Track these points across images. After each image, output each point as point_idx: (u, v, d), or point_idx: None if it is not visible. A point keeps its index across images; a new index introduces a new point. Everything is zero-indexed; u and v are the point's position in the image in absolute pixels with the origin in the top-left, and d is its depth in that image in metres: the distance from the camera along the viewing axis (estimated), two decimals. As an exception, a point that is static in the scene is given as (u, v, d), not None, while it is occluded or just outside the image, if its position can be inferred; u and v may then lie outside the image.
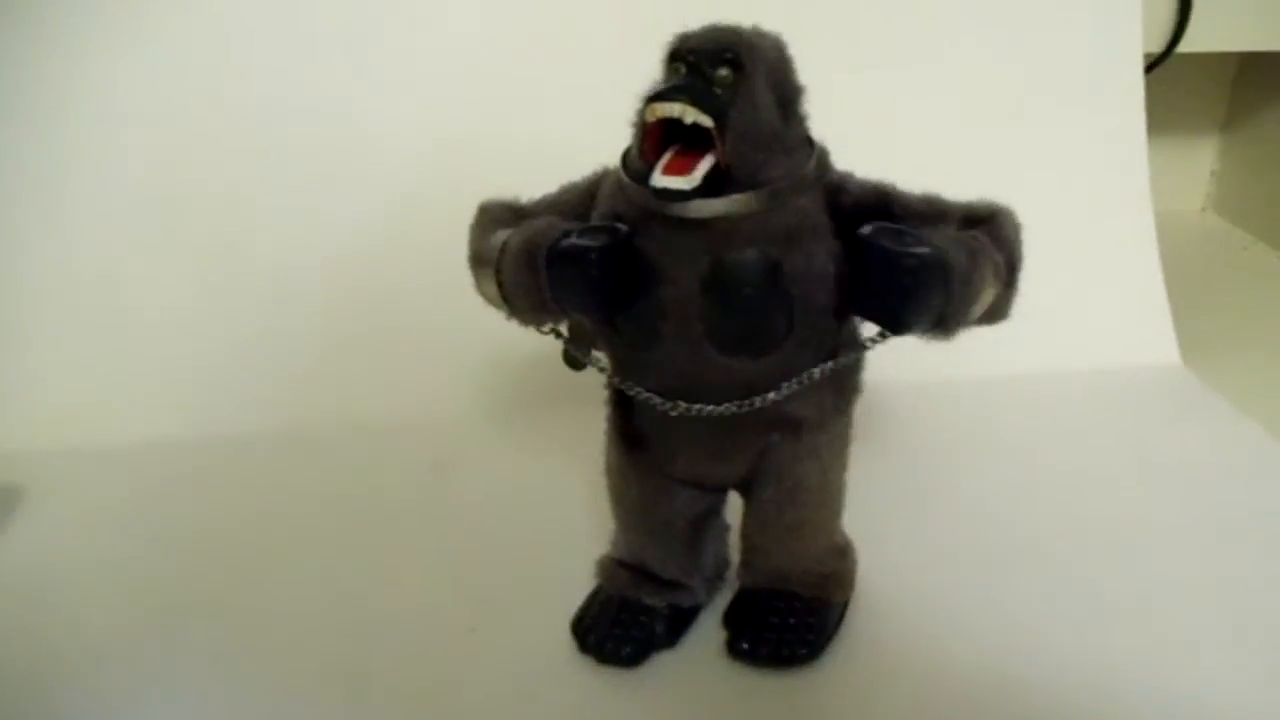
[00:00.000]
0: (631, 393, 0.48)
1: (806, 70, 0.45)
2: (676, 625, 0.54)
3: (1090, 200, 0.86)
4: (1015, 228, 0.44)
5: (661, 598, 0.54)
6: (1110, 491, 0.67)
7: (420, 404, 0.77)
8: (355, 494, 0.69)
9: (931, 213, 0.44)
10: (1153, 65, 0.93)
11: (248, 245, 0.80)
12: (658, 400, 0.47)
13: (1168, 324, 0.85)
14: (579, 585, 0.56)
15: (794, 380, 0.45)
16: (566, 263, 0.42)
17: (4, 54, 0.77)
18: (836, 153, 0.46)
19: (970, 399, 0.77)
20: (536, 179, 0.50)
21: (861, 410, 0.52)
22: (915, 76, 0.85)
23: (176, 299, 0.79)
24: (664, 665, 0.53)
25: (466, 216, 0.49)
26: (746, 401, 0.46)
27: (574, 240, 0.42)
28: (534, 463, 0.71)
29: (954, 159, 0.84)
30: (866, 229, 0.41)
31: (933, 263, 0.40)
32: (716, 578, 0.56)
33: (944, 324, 0.42)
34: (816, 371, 0.45)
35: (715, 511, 0.55)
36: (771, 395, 0.45)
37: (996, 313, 0.44)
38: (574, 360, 0.50)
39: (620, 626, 0.53)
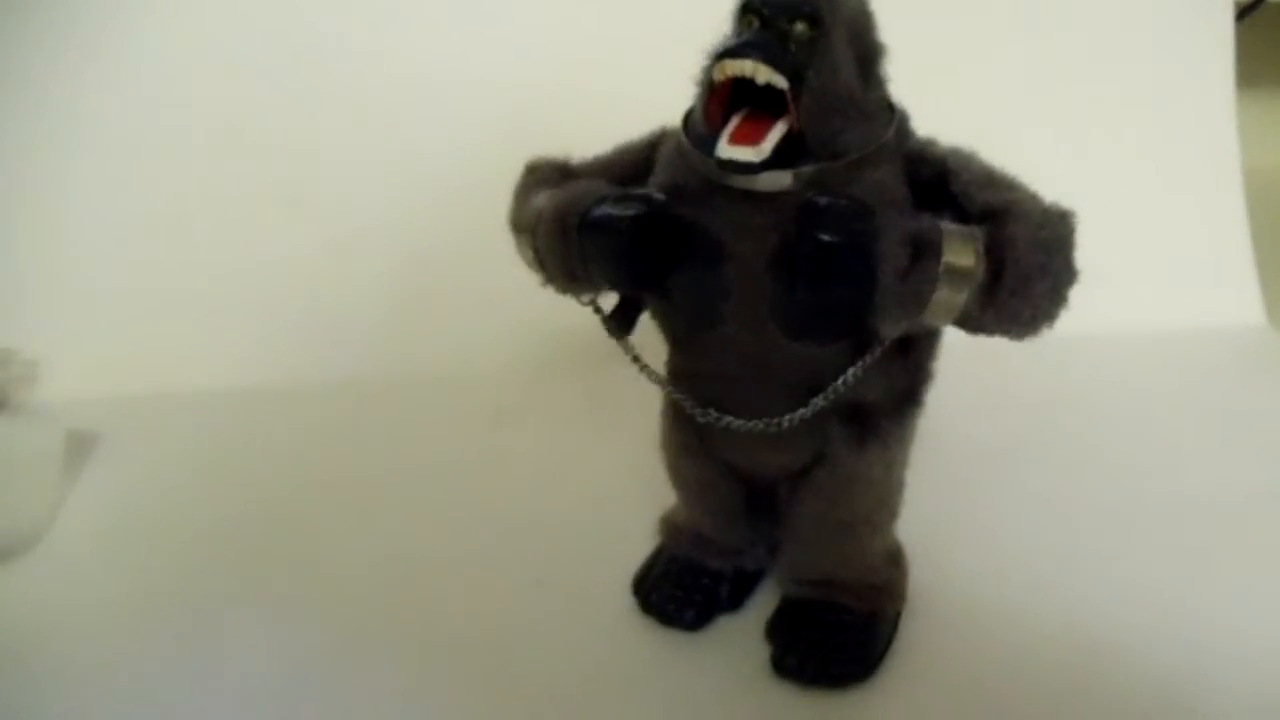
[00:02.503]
0: (675, 396, 0.43)
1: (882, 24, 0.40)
2: (740, 588, 0.50)
3: (1176, 154, 0.82)
4: (1032, 232, 0.36)
5: (725, 561, 0.50)
6: (1193, 457, 0.63)
7: (483, 356, 0.76)
8: (421, 444, 0.68)
9: (979, 195, 0.38)
10: (1244, 13, 0.88)
11: (318, 200, 0.79)
12: (698, 411, 0.43)
13: (1254, 283, 0.81)
14: (644, 537, 0.53)
15: (838, 383, 0.40)
16: (597, 231, 0.39)
17: (78, 7, 0.77)
18: (914, 110, 0.41)
19: (1045, 360, 0.71)
20: (605, 134, 0.45)
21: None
22: (996, 26, 0.81)
23: (248, 253, 0.78)
24: (727, 629, 0.49)
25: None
26: (779, 420, 0.41)
27: (606, 209, 0.39)
28: (598, 414, 0.69)
29: (1037, 112, 0.81)
30: (812, 195, 0.36)
31: (847, 245, 0.35)
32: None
33: (878, 317, 0.36)
34: (858, 369, 0.40)
35: (777, 484, 0.49)
36: (803, 411, 0.41)
37: (981, 322, 0.38)
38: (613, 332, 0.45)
39: (683, 589, 0.49)
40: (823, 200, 0.36)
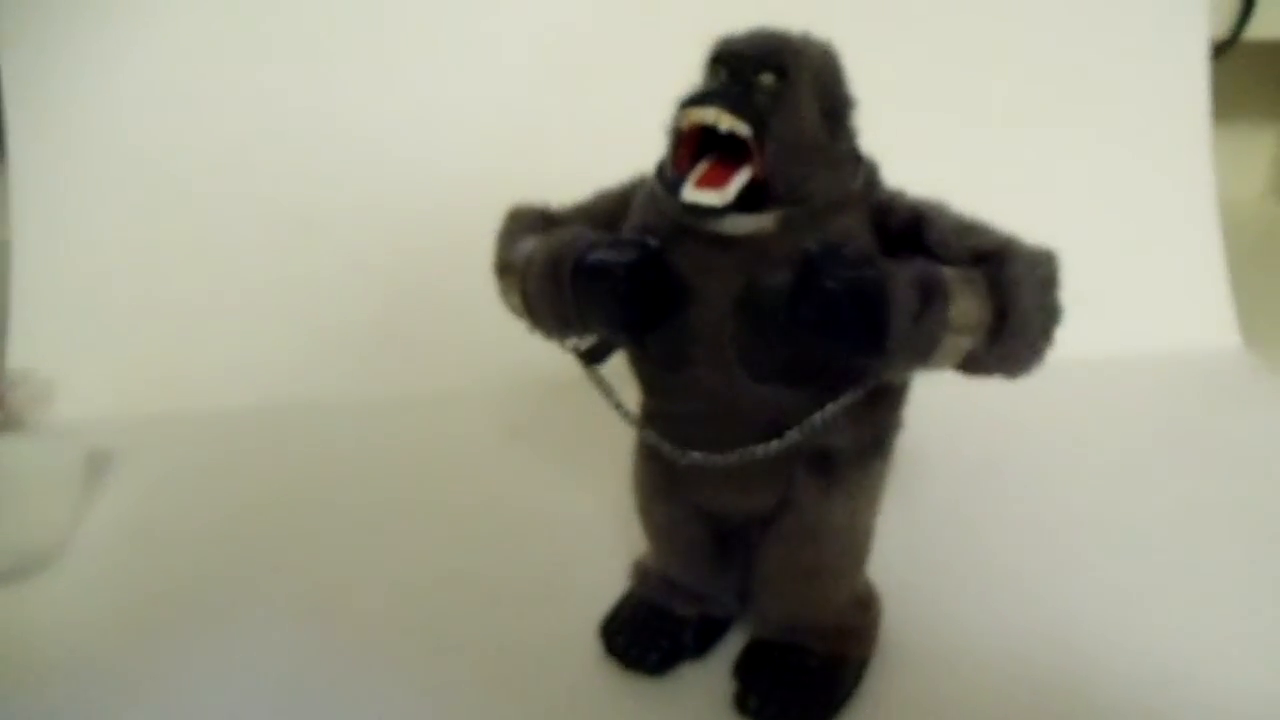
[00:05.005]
0: (647, 436, 0.43)
1: (856, 64, 0.39)
2: (707, 636, 0.49)
3: (1155, 186, 0.82)
4: (1029, 272, 0.36)
5: (693, 607, 0.49)
6: (1170, 479, 0.63)
7: (496, 373, 0.75)
8: (434, 460, 0.68)
9: (962, 241, 0.37)
10: (1219, 51, 0.90)
11: (331, 221, 0.79)
12: (666, 447, 0.41)
13: (1230, 307, 0.80)
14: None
15: (809, 421, 0.39)
16: (592, 278, 0.38)
17: (99, 30, 0.78)
18: (888, 148, 0.41)
19: (1024, 385, 0.72)
20: (608, 160, 0.45)
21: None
22: (975, 62, 0.81)
23: (260, 273, 0.78)
24: (690, 676, 0.48)
25: (538, 188, 0.45)
26: (751, 451, 0.40)
27: (600, 255, 0.38)
28: (609, 431, 0.69)
29: (1017, 145, 0.82)
30: (813, 245, 0.36)
31: (857, 292, 0.34)
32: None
33: (888, 364, 0.36)
34: (832, 408, 0.39)
35: (747, 530, 0.48)
36: (774, 445, 0.39)
37: (984, 364, 0.37)
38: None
39: (648, 633, 0.48)
40: (825, 247, 0.35)
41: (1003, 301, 0.35)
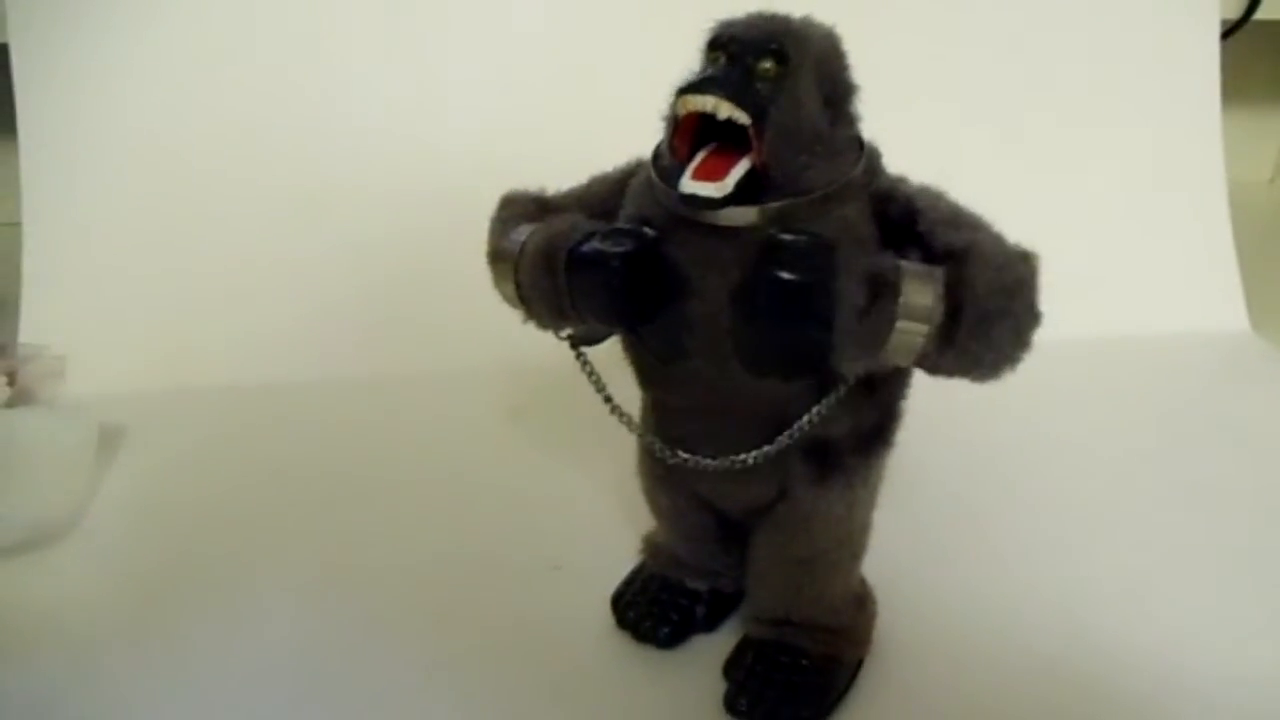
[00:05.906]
0: (645, 439, 0.42)
1: (862, 48, 0.38)
2: (717, 610, 0.49)
3: (1165, 167, 0.81)
4: (988, 274, 0.34)
5: (703, 581, 0.48)
6: (1177, 462, 0.62)
7: (501, 352, 0.72)
8: (439, 437, 0.67)
9: (943, 236, 0.36)
10: (1229, 32, 0.89)
11: (337, 199, 0.78)
12: (657, 448, 0.41)
13: (1238, 290, 0.80)
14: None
15: (803, 421, 0.38)
16: (587, 268, 0.37)
17: (108, 13, 0.77)
18: (894, 133, 0.40)
19: (1034, 365, 0.72)
20: (602, 145, 0.44)
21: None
22: (985, 42, 0.80)
23: (269, 251, 0.78)
24: (701, 650, 0.48)
25: (538, 170, 0.44)
26: (744, 457, 0.39)
27: (596, 244, 0.36)
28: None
29: (1025, 127, 0.81)
30: (775, 232, 0.35)
31: (804, 285, 0.33)
32: None
33: (836, 356, 0.35)
34: (822, 407, 0.38)
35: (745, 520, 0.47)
36: (768, 449, 0.39)
37: (940, 364, 0.35)
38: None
39: (659, 606, 0.48)
40: (784, 237, 0.34)
41: (956, 302, 0.34)
